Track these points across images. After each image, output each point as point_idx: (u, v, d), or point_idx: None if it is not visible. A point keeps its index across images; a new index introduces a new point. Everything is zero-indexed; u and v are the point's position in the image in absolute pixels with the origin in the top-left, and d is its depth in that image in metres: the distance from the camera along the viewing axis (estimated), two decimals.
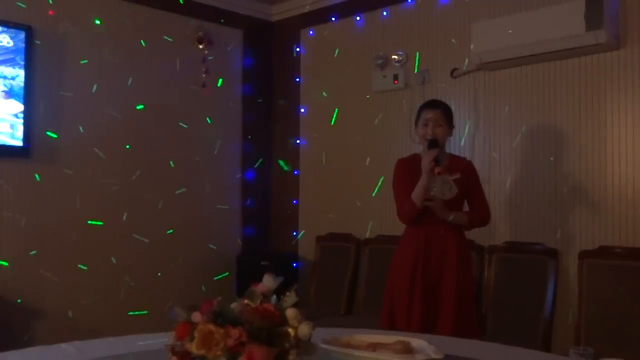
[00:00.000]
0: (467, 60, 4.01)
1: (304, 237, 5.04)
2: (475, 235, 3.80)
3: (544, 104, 3.72)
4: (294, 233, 5.11)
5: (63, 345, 1.98)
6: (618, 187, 3.42)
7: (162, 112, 4.63)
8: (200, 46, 4.82)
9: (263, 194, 5.28)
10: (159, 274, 4.56)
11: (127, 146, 4.43)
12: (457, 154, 3.41)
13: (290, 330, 1.36)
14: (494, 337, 3.30)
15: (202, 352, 1.29)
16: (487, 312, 3.70)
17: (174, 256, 4.65)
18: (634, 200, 3.36)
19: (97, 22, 4.30)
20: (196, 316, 1.35)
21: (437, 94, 4.20)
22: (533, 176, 3.75)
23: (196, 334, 1.30)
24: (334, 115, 4.81)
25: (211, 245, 4.86)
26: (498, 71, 3.91)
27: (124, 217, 4.41)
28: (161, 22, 4.65)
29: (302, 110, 5.12)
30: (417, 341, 1.89)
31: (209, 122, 4.90)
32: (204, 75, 4.82)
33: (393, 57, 4.43)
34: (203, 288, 4.67)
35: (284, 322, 1.37)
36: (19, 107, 3.89)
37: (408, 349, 1.81)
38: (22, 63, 3.90)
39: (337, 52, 4.84)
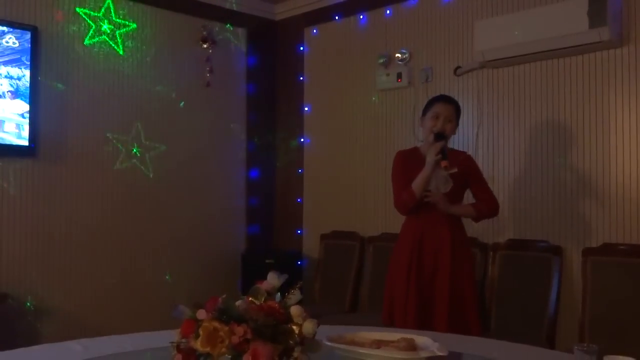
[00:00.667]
0: (470, 59, 4.01)
1: (308, 235, 5.05)
2: (479, 232, 3.81)
3: (548, 102, 3.72)
4: (299, 231, 5.12)
5: (70, 343, 2.00)
6: (622, 184, 3.42)
7: (167, 111, 4.65)
8: (204, 45, 4.83)
9: (268, 193, 5.29)
10: (165, 272, 4.58)
11: (134, 148, 4.45)
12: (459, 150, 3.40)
13: (294, 327, 1.37)
14: (498, 335, 3.30)
15: (207, 349, 1.31)
16: (491, 310, 3.70)
17: (179, 255, 4.67)
18: (638, 197, 3.36)
19: (103, 25, 4.31)
20: (201, 314, 1.36)
21: (441, 92, 4.20)
22: (537, 174, 3.75)
23: (201, 332, 1.32)
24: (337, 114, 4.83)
25: (216, 244, 4.89)
26: (501, 69, 3.91)
27: (130, 217, 4.43)
28: (165, 21, 4.66)
29: (306, 109, 5.13)
30: (421, 338, 1.90)
31: (213, 121, 4.91)
32: (208, 75, 4.84)
33: (396, 55, 4.44)
34: (208, 286, 4.69)
35: (289, 319, 1.38)
36: (25, 107, 3.92)
37: (412, 346, 1.82)
38: (28, 63, 3.92)
39: (340, 50, 4.85)
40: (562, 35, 3.46)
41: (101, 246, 4.28)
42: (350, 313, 4.40)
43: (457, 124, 3.09)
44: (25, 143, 3.92)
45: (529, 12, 3.63)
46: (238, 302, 1.42)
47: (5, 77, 3.85)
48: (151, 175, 4.54)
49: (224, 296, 1.40)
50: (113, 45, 4.37)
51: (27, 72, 3.92)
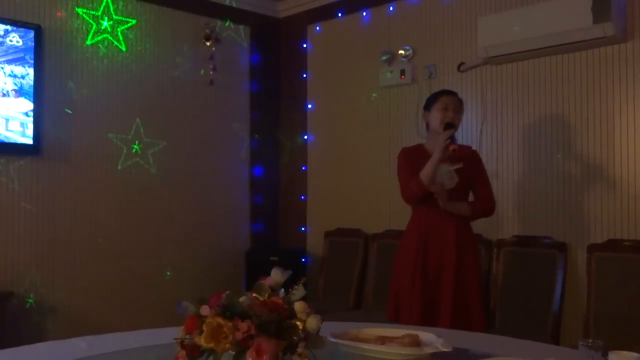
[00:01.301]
0: (474, 55, 4.01)
1: (313, 233, 5.05)
2: (483, 229, 3.80)
3: (551, 98, 3.71)
4: (303, 228, 5.12)
5: (74, 340, 2.01)
6: (627, 180, 3.41)
7: (171, 109, 4.65)
8: (208, 43, 4.83)
9: (271, 190, 5.29)
10: (170, 270, 4.59)
11: (136, 146, 4.46)
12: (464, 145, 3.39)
13: (298, 323, 1.37)
14: (503, 331, 3.30)
15: (211, 345, 1.30)
16: (495, 306, 3.70)
17: (184, 253, 4.68)
18: None
19: (105, 21, 4.32)
20: (205, 310, 1.36)
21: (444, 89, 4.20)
22: (541, 170, 3.74)
23: (205, 328, 1.32)
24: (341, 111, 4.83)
25: (220, 242, 4.90)
26: (505, 65, 3.90)
27: (134, 215, 4.44)
28: (169, 19, 4.66)
29: (310, 106, 5.13)
30: (425, 334, 1.90)
31: (217, 119, 4.92)
32: (211, 73, 4.84)
33: (400, 52, 4.43)
34: (213, 284, 4.69)
35: (292, 315, 1.38)
36: (29, 105, 3.93)
37: (417, 342, 1.81)
38: (32, 62, 3.93)
39: (343, 48, 4.85)
40: (566, 30, 3.45)
41: (105, 244, 4.29)
42: (354, 310, 4.40)
43: (461, 118, 3.11)
44: (29, 141, 3.93)
45: (533, 7, 3.62)
46: (242, 298, 1.42)
47: (9, 75, 3.85)
48: (155, 174, 4.55)
49: (227, 292, 1.40)
50: (115, 43, 4.37)
51: (31, 71, 3.93)
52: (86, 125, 4.23)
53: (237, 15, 5.04)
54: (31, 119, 3.93)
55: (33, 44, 3.93)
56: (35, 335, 3.88)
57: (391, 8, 4.55)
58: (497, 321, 3.66)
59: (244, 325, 1.29)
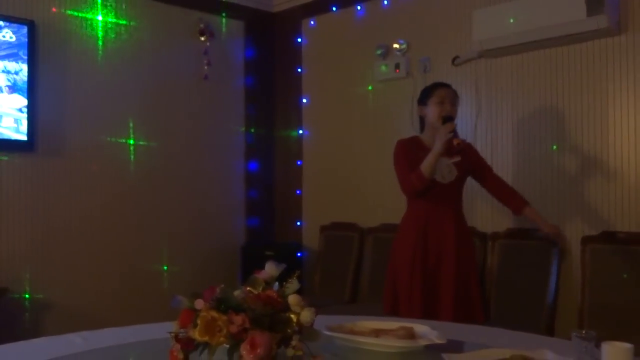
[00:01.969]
0: (468, 48, 4.01)
1: (308, 227, 5.06)
2: (477, 222, 3.82)
3: (546, 91, 3.72)
4: (298, 223, 5.13)
5: (70, 335, 2.01)
6: (620, 172, 3.42)
7: (165, 104, 4.64)
8: (202, 38, 4.82)
9: (267, 185, 5.29)
10: (165, 265, 4.59)
11: (131, 140, 4.45)
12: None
13: (292, 316, 1.37)
14: (498, 323, 3.31)
15: (206, 338, 1.31)
16: (490, 299, 3.71)
17: (179, 248, 4.68)
18: (637, 185, 3.36)
19: (99, 16, 4.31)
20: (199, 303, 1.37)
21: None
22: (535, 162, 3.75)
23: (199, 321, 1.32)
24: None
25: (216, 237, 4.90)
26: (499, 58, 3.90)
27: (129, 210, 4.44)
28: (162, 14, 4.65)
29: (305, 100, 5.13)
30: (420, 327, 1.91)
31: (212, 114, 4.91)
32: (205, 67, 4.83)
33: (394, 46, 4.43)
34: (208, 279, 4.69)
35: (286, 308, 1.38)
36: (23, 101, 3.91)
37: (411, 335, 1.83)
38: (25, 57, 3.92)
39: (338, 42, 4.84)
40: (560, 23, 3.45)
41: (100, 240, 4.29)
42: (350, 304, 4.41)
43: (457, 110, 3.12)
44: (24, 137, 3.92)
45: (527, 0, 3.62)
46: (236, 292, 1.42)
47: (3, 71, 3.84)
48: (149, 169, 4.54)
49: (221, 286, 1.40)
50: (109, 38, 4.35)
51: (25, 67, 3.91)
52: (80, 121, 4.22)
53: (231, 10, 5.03)
54: (25, 115, 3.91)
55: (27, 40, 3.92)
56: (31, 331, 3.88)
57: (385, 2, 4.54)
58: (492, 313, 3.67)
59: (238, 319, 1.30)
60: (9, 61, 3.86)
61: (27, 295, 3.96)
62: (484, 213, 3.89)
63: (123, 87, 4.43)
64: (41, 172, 4.05)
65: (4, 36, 3.84)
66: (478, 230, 3.84)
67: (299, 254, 5.00)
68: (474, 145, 3.43)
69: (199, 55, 4.81)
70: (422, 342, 1.76)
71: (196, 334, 1.33)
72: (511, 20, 3.63)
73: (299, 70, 5.16)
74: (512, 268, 3.70)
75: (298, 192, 5.14)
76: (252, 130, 5.19)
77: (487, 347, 1.73)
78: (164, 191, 4.62)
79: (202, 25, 4.80)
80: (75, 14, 4.21)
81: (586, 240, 3.45)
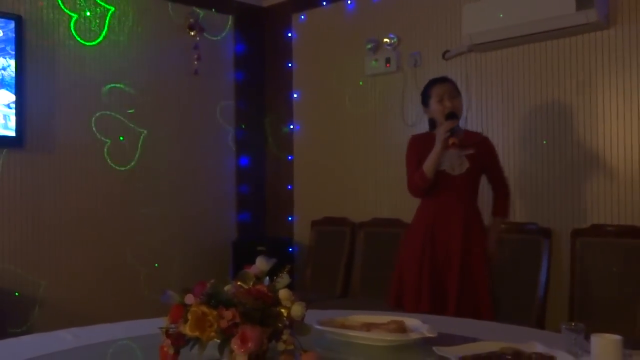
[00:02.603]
0: (458, 42, 4.01)
1: (299, 222, 5.06)
2: None
3: (536, 85, 3.73)
4: (289, 218, 5.12)
5: (60, 332, 2.00)
6: (610, 165, 3.44)
7: (155, 99, 4.62)
8: (192, 33, 4.80)
9: (258, 180, 5.28)
10: (156, 261, 4.58)
11: (121, 137, 4.43)
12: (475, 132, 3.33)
13: (283, 310, 1.37)
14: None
15: (196, 333, 1.31)
16: None
17: (170, 243, 4.67)
18: (625, 178, 3.38)
19: (87, 12, 4.28)
20: (189, 298, 1.37)
21: (429, 76, 4.18)
22: (525, 156, 3.76)
23: (190, 316, 1.32)
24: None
25: (207, 232, 4.90)
26: (489, 52, 3.91)
27: (119, 206, 4.42)
28: (152, 9, 4.62)
29: (295, 95, 5.12)
30: (411, 320, 1.92)
31: (202, 109, 4.90)
32: (195, 63, 4.81)
33: (385, 40, 4.43)
34: (200, 274, 4.69)
35: (277, 302, 1.38)
36: (11, 97, 3.88)
37: (402, 328, 1.83)
38: (13, 53, 3.88)
39: (329, 36, 4.83)
40: (549, 17, 3.46)
41: (90, 236, 4.27)
42: (341, 298, 4.42)
43: (462, 98, 3.08)
44: (12, 133, 3.89)
45: None
46: (227, 287, 1.42)
47: None
48: (140, 165, 4.52)
49: (212, 281, 1.40)
50: (98, 34, 4.33)
51: (12, 62, 3.88)
52: (70, 116, 4.20)
53: (221, 5, 5.01)
54: (13, 110, 3.88)
55: (14, 35, 3.89)
56: (21, 328, 3.86)
57: None
58: None
59: (228, 314, 1.30)
60: None
61: (17, 293, 3.94)
62: None
63: (112, 82, 4.40)
64: (30, 168, 4.02)
65: None
66: None
67: (290, 249, 5.00)
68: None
69: (188, 51, 4.79)
70: (413, 336, 1.77)
71: (187, 329, 1.32)
72: (501, 15, 3.63)
73: (290, 65, 5.15)
74: (503, 261, 3.71)
75: (289, 187, 5.14)
76: (243, 125, 5.18)
77: (477, 340, 1.74)
78: (154, 187, 4.60)
79: (191, 20, 4.78)
80: (63, 8, 4.18)
81: (576, 234, 3.48)
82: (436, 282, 2.94)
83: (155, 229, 4.59)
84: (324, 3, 4.87)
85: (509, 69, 3.84)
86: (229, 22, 5.11)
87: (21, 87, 3.92)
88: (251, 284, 1.41)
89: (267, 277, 1.48)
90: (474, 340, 1.77)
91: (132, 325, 2.09)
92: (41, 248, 4.06)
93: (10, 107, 3.88)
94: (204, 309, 1.31)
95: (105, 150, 4.36)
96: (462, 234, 2.94)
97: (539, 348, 1.61)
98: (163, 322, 1.45)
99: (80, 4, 4.25)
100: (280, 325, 1.35)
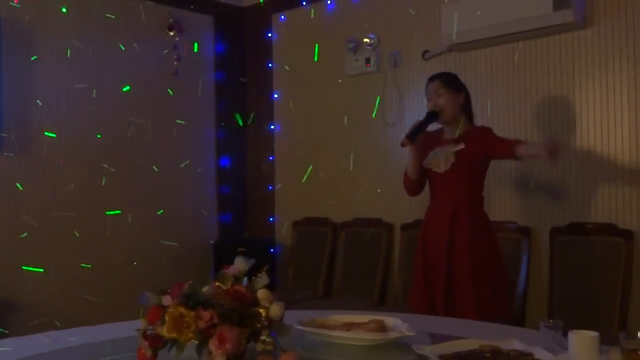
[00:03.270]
0: (438, 42, 4.03)
1: (281, 223, 5.04)
2: None
3: (514, 84, 3.76)
4: (271, 219, 5.11)
5: (37, 335, 1.98)
6: (587, 163, 3.48)
7: (134, 100, 4.58)
8: (171, 33, 4.76)
9: (239, 181, 5.26)
10: (136, 262, 4.54)
11: (99, 135, 4.38)
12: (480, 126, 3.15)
13: (261, 310, 1.37)
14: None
15: (174, 335, 1.30)
16: None
17: (150, 244, 4.63)
18: (603, 176, 3.42)
19: (64, 10, 4.23)
20: (167, 300, 1.35)
21: (409, 76, 4.23)
22: None
23: (167, 318, 1.31)
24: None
25: (187, 233, 4.87)
26: (468, 52, 3.93)
27: (99, 206, 4.37)
28: (130, 9, 4.58)
29: (276, 95, 5.10)
30: (390, 319, 1.92)
31: (182, 109, 4.87)
32: (175, 63, 4.78)
33: (365, 40, 4.43)
34: (180, 276, 4.65)
35: (255, 303, 1.37)
36: None
37: (382, 327, 1.84)
38: None
39: (309, 37, 4.83)
40: (527, 17, 3.49)
41: (69, 236, 4.21)
42: (323, 298, 4.42)
43: (455, 92, 2.97)
44: None
45: None
46: (205, 288, 1.41)
47: None
48: (120, 165, 4.48)
49: (190, 282, 1.39)
50: (77, 32, 4.28)
51: None
52: (49, 116, 4.14)
53: (200, 5, 4.98)
54: None
55: None
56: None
57: None
58: None
59: (206, 314, 1.29)
60: None
61: None
62: None
63: (91, 82, 4.35)
64: (8, 169, 3.96)
65: None
66: None
67: (271, 250, 4.99)
68: None
69: (168, 51, 4.75)
70: (393, 335, 1.77)
71: (164, 331, 1.31)
72: (479, 15, 3.65)
73: (270, 65, 5.13)
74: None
75: (270, 187, 5.13)
76: (223, 125, 5.15)
77: (457, 338, 1.75)
78: (134, 187, 4.56)
79: (171, 20, 4.75)
80: (40, 8, 4.12)
81: (555, 232, 3.51)
82: (428, 284, 2.95)
83: (135, 230, 4.55)
84: (304, 3, 4.86)
85: (488, 69, 3.87)
86: (209, 23, 5.09)
87: (0, 88, 3.87)
88: (229, 284, 1.40)
89: (246, 278, 1.47)
90: (454, 338, 1.78)
91: (110, 328, 2.07)
92: (19, 249, 4.00)
93: None
94: (182, 310, 1.30)
95: (85, 150, 4.31)
96: (447, 233, 2.88)
97: (517, 345, 1.62)
98: (141, 324, 1.44)
99: (57, 4, 4.20)
100: (258, 325, 1.34)
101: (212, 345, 1.27)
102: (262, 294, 1.38)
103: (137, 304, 1.51)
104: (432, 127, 3.05)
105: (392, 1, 4.33)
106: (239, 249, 4.85)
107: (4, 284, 3.93)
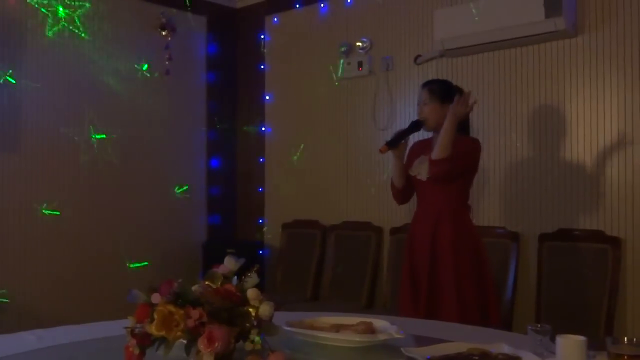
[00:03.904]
0: (430, 47, 4.04)
1: (270, 225, 5.04)
2: None
3: (505, 91, 3.78)
4: (260, 220, 5.10)
5: (23, 333, 1.95)
6: (577, 170, 3.50)
7: (125, 99, 4.56)
8: (163, 33, 4.75)
9: (228, 182, 5.25)
10: (125, 262, 4.51)
11: (90, 135, 4.35)
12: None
13: (251, 310, 1.36)
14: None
15: (162, 333, 1.29)
16: None
17: (138, 244, 4.60)
18: (592, 183, 3.45)
19: (60, 8, 4.21)
20: (156, 297, 1.35)
21: (401, 81, 4.24)
22: (494, 162, 3.80)
23: (156, 316, 1.30)
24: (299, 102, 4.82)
25: (176, 234, 4.84)
26: (460, 58, 3.95)
27: (88, 207, 4.34)
28: (123, 8, 4.57)
29: (267, 97, 5.10)
30: (379, 321, 1.92)
31: (173, 110, 4.85)
32: (167, 62, 4.76)
33: (357, 44, 4.44)
34: (169, 277, 4.63)
35: (245, 302, 1.37)
36: None
37: (370, 329, 1.83)
38: None
39: (301, 39, 4.84)
40: (519, 24, 3.51)
41: (58, 236, 4.19)
42: (312, 301, 4.41)
43: (440, 102, 2.91)
44: None
45: (488, 1, 3.67)
46: (194, 287, 1.40)
47: None
48: (110, 165, 4.45)
49: (179, 280, 1.38)
50: (67, 29, 4.26)
51: None
52: (37, 116, 4.11)
53: (193, 5, 4.97)
54: None
55: None
56: None
57: (349, 0, 4.55)
58: None
59: (195, 313, 1.28)
60: None
61: None
62: None
63: (81, 80, 4.33)
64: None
65: None
66: None
67: (260, 252, 4.98)
68: None
69: (160, 50, 4.74)
70: (381, 337, 1.77)
71: (152, 329, 1.30)
72: (471, 21, 3.67)
73: (262, 67, 5.13)
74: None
75: (260, 189, 5.12)
76: (214, 126, 5.14)
77: (445, 341, 1.75)
78: (124, 187, 4.54)
79: (163, 20, 4.73)
80: (33, 4, 4.10)
81: (543, 238, 3.53)
82: (413, 287, 2.95)
83: (124, 230, 4.53)
84: (297, 6, 4.87)
85: (480, 75, 3.88)
86: (202, 23, 5.08)
87: None
88: (219, 283, 1.40)
89: (236, 277, 1.47)
90: (441, 341, 1.78)
91: (98, 327, 2.05)
92: (5, 248, 3.97)
93: None
94: (171, 308, 1.30)
95: (73, 150, 4.28)
96: (430, 239, 2.89)
97: (505, 349, 1.63)
98: (129, 322, 1.43)
99: (49, 1, 4.17)
100: (248, 324, 1.34)
101: (201, 344, 1.27)
102: (251, 293, 1.38)
103: (125, 304, 1.49)
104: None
105: (385, 6, 4.35)
106: (228, 251, 4.85)
107: None
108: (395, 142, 2.89)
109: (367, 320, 1.90)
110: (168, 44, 4.77)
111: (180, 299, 1.32)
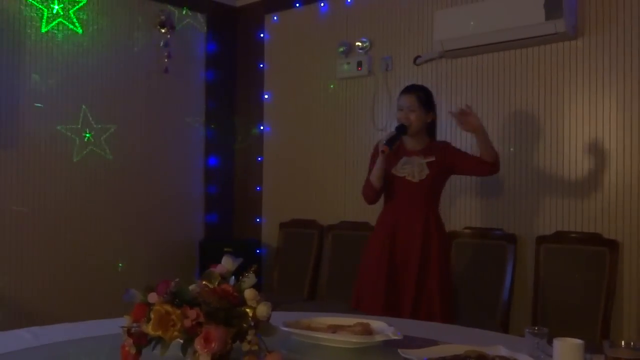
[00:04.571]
0: (430, 48, 4.04)
1: (268, 224, 5.03)
2: None
3: (504, 92, 3.77)
4: (258, 219, 5.09)
5: (19, 331, 1.95)
6: (575, 173, 3.50)
7: (123, 97, 4.55)
8: (163, 30, 4.74)
9: (226, 181, 5.24)
10: (121, 260, 4.50)
11: (87, 134, 4.34)
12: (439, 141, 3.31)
13: (248, 310, 1.35)
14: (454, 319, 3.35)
15: (159, 333, 1.28)
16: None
17: (136, 243, 4.59)
18: (589, 186, 3.44)
19: (55, 5, 4.20)
20: (153, 297, 1.34)
21: (400, 81, 4.23)
22: None
23: (153, 315, 1.29)
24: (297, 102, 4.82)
25: (174, 232, 4.83)
26: (460, 59, 3.94)
27: (84, 204, 4.33)
28: (122, 5, 4.55)
29: (266, 96, 5.09)
30: (377, 323, 1.92)
31: (172, 107, 4.84)
32: (166, 60, 4.75)
33: (357, 44, 4.43)
34: (166, 275, 4.62)
35: (242, 302, 1.36)
36: None
37: (368, 331, 1.83)
38: None
39: (301, 38, 4.83)
40: (519, 26, 3.51)
41: (53, 233, 4.18)
42: (309, 301, 4.40)
43: (426, 111, 3.08)
44: None
45: (488, 3, 3.67)
46: (192, 286, 1.40)
47: None
48: (107, 163, 4.44)
49: (176, 280, 1.37)
50: (66, 27, 4.25)
51: None
52: (34, 111, 4.10)
53: (193, 3, 4.96)
54: None
55: None
56: None
57: (349, 0, 4.55)
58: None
59: (192, 313, 1.28)
60: None
61: None
62: (442, 212, 3.92)
63: (80, 77, 4.32)
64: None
65: None
66: None
67: (258, 251, 4.97)
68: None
69: (159, 48, 4.73)
70: (379, 338, 1.77)
71: (149, 329, 1.30)
72: (472, 22, 3.67)
73: (261, 65, 5.12)
74: (469, 266, 3.75)
75: (258, 188, 5.11)
76: (213, 125, 5.13)
77: (443, 344, 1.75)
78: (120, 185, 4.53)
79: (162, 17, 4.72)
80: (31, 1, 4.09)
81: (540, 240, 3.53)
82: (392, 287, 2.99)
83: (121, 227, 4.52)
84: (297, 5, 4.86)
85: (479, 76, 3.88)
86: (201, 21, 5.07)
87: None
88: (216, 283, 1.39)
89: (233, 277, 1.46)
90: (439, 343, 1.78)
91: (93, 325, 2.04)
92: (1, 245, 3.96)
93: None
94: (168, 307, 1.29)
95: (70, 147, 4.27)
96: (421, 241, 3.00)
97: (502, 351, 1.62)
98: (125, 321, 1.42)
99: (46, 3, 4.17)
100: (245, 325, 1.33)
101: (198, 344, 1.26)
102: (249, 293, 1.37)
103: (121, 303, 1.49)
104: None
105: (385, 6, 4.34)
106: (225, 249, 4.86)
107: None
108: (393, 144, 3.00)
109: (364, 321, 1.90)
110: (167, 42, 4.76)
111: (177, 299, 1.31)
